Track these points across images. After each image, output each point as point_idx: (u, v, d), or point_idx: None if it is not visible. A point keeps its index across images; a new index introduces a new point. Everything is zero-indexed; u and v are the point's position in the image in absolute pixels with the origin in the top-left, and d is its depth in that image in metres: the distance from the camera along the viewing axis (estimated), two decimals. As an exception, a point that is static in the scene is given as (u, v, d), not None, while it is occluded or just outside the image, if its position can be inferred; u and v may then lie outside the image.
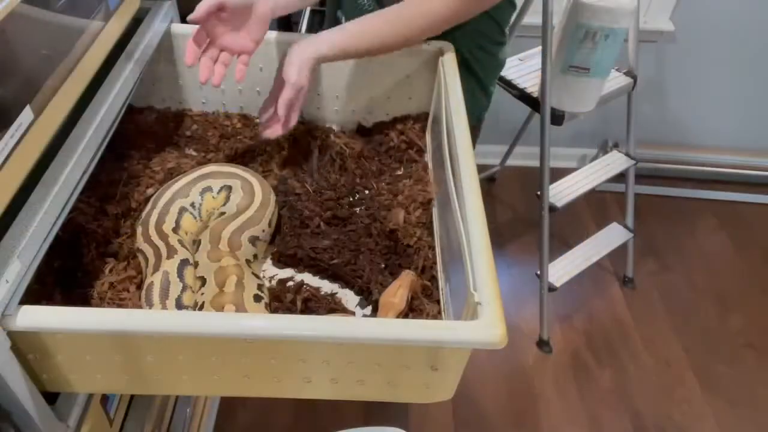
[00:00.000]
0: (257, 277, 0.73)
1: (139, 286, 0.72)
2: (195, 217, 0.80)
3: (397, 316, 0.68)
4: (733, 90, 2.23)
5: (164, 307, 0.67)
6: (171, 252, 0.71)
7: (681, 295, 1.99)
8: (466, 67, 0.99)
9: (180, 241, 0.74)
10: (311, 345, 0.57)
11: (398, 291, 0.69)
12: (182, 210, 0.79)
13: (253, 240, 0.76)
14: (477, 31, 0.97)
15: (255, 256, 0.76)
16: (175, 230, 0.76)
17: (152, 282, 0.68)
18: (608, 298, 1.96)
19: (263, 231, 0.78)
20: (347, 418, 1.54)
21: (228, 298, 0.65)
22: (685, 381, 1.73)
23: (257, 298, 0.68)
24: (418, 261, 0.77)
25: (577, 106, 1.56)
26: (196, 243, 0.76)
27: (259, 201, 0.79)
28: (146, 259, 0.71)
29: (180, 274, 0.69)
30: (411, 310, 0.71)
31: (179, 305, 0.68)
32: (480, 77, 1.04)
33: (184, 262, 0.70)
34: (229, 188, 0.82)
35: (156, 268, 0.69)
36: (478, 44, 0.99)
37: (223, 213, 0.81)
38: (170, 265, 0.69)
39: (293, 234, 0.80)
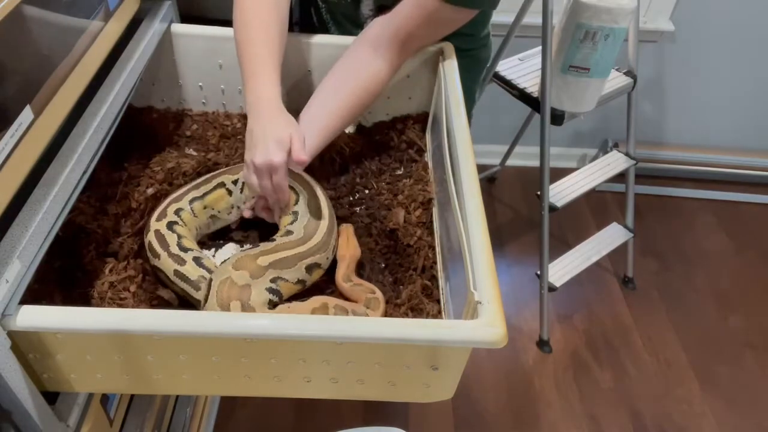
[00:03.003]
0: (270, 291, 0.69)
1: (140, 286, 0.72)
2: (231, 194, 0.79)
3: (357, 263, 0.75)
4: (732, 90, 2.23)
5: (168, 254, 0.70)
6: (161, 216, 0.75)
7: (681, 295, 1.99)
8: None
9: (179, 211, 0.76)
10: (311, 345, 0.57)
11: (348, 242, 0.76)
12: (220, 185, 0.79)
13: (312, 268, 0.72)
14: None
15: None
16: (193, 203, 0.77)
17: (149, 241, 0.72)
18: (608, 298, 1.96)
19: (327, 258, 0.74)
20: (347, 418, 1.54)
21: None
22: (685, 381, 1.73)
23: (270, 306, 0.67)
24: (418, 260, 0.77)
25: (577, 106, 1.56)
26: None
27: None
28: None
29: (170, 228, 0.73)
30: (411, 310, 0.71)
31: (182, 248, 0.71)
32: (461, 78, 1.05)
33: (171, 224, 0.74)
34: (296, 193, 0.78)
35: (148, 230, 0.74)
36: (457, 49, 0.99)
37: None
38: (160, 225, 0.74)
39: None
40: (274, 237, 0.74)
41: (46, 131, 0.61)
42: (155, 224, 0.74)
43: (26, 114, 0.56)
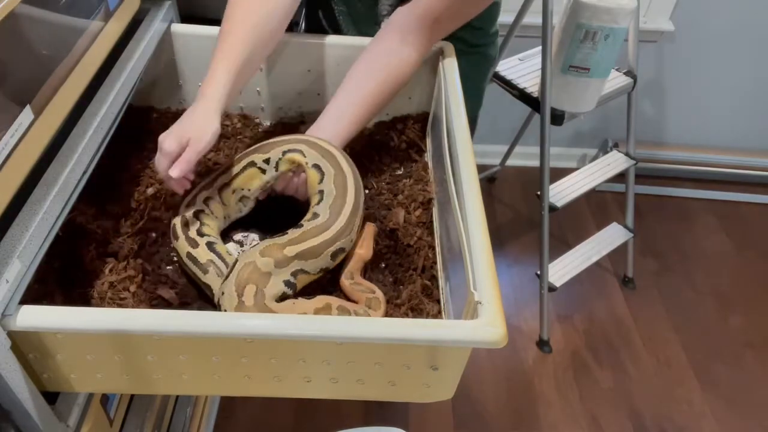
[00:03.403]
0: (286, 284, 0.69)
1: (140, 286, 0.72)
2: (264, 172, 0.78)
3: (365, 264, 0.75)
4: (732, 90, 2.23)
5: (186, 237, 0.72)
6: (190, 204, 0.76)
7: (681, 295, 1.99)
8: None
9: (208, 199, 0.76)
10: (311, 345, 0.57)
11: (364, 242, 0.75)
12: (250, 164, 0.78)
13: (337, 254, 0.71)
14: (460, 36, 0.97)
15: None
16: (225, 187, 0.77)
17: (173, 223, 0.74)
18: (608, 298, 1.96)
19: (351, 241, 0.73)
20: (347, 418, 1.54)
21: (251, 311, 0.64)
22: (685, 381, 1.73)
23: (279, 299, 0.67)
24: (418, 260, 0.77)
25: (577, 106, 1.56)
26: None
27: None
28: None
29: (196, 216, 0.74)
30: (411, 310, 0.71)
31: (200, 233, 0.72)
32: (470, 76, 1.05)
33: (198, 212, 0.75)
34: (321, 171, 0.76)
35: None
36: (466, 44, 0.99)
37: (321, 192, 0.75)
38: (187, 212, 0.75)
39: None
40: (302, 222, 0.73)
41: (46, 131, 0.61)
42: (183, 209, 0.75)
43: (26, 114, 0.56)
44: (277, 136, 0.80)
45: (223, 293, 0.65)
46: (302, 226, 0.71)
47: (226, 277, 0.66)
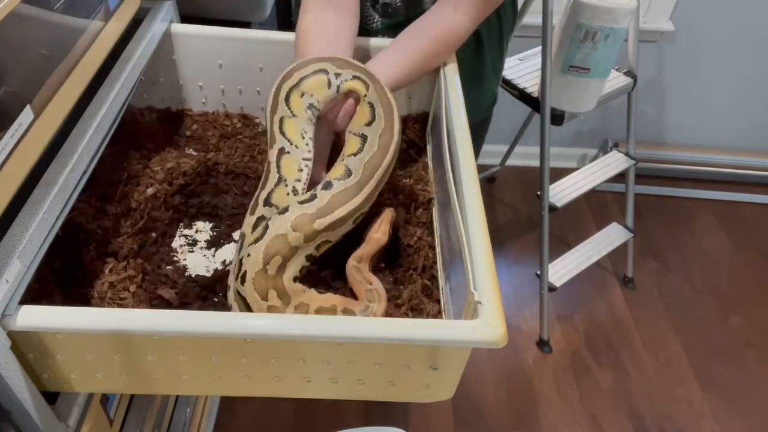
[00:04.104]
0: (308, 259, 0.67)
1: (140, 286, 0.72)
2: (329, 86, 0.74)
3: (380, 249, 0.73)
4: (732, 90, 2.23)
5: (255, 201, 0.70)
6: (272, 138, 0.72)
7: (681, 295, 1.99)
8: (481, 55, 1.02)
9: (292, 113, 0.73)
10: (311, 345, 0.57)
11: (380, 227, 0.74)
12: (321, 71, 0.74)
13: (357, 218, 0.69)
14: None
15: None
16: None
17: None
18: (608, 298, 1.96)
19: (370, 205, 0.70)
20: (347, 418, 1.54)
21: (270, 284, 0.63)
22: (685, 381, 1.73)
23: (296, 280, 0.66)
24: (418, 260, 0.77)
25: (577, 106, 1.56)
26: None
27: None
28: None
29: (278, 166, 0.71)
30: (411, 310, 0.71)
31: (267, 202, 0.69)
32: (498, 67, 1.06)
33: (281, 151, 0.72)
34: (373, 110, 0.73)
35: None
36: (498, 34, 1.01)
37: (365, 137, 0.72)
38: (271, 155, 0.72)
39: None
40: (331, 180, 0.68)
41: (46, 131, 0.61)
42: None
43: (26, 114, 0.56)
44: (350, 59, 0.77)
45: (249, 255, 0.64)
46: (331, 186, 0.68)
47: (256, 240, 0.64)
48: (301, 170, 0.73)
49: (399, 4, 0.94)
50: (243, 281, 0.63)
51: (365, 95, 0.74)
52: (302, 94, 0.74)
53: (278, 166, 0.71)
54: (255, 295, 0.62)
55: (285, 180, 0.71)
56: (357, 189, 0.67)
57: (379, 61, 0.81)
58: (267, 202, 0.70)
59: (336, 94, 0.75)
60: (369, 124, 0.72)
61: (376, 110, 0.72)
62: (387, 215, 0.76)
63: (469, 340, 0.52)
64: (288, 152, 0.72)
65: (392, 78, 0.79)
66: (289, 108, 0.73)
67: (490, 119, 1.19)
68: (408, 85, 0.85)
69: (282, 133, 0.72)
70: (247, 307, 0.63)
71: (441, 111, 0.84)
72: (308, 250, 0.67)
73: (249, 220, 0.69)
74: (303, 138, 0.73)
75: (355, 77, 0.74)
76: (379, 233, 0.73)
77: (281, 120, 0.73)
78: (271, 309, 0.62)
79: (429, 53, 0.83)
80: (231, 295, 0.66)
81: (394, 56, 0.82)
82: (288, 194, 0.72)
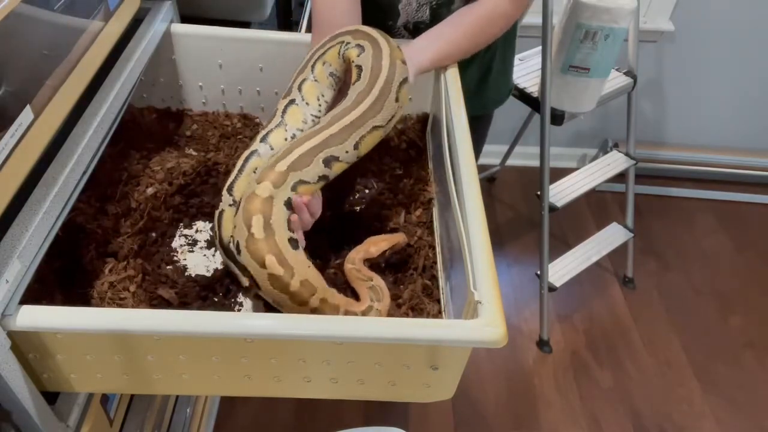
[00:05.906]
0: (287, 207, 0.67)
1: (140, 286, 0.72)
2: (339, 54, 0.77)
3: (364, 261, 0.73)
4: (732, 90, 2.23)
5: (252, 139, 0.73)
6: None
7: (681, 295, 1.99)
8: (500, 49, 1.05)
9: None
10: (311, 345, 0.57)
11: (380, 243, 0.75)
12: (341, 43, 0.76)
13: (329, 161, 0.68)
14: None
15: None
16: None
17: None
18: (608, 298, 1.96)
19: (346, 152, 0.69)
20: (347, 418, 1.54)
21: (264, 248, 0.62)
22: (685, 381, 1.73)
23: (293, 244, 0.64)
24: (419, 260, 0.77)
25: (577, 106, 1.56)
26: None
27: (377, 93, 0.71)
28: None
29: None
30: (411, 310, 0.71)
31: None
32: (509, 59, 1.09)
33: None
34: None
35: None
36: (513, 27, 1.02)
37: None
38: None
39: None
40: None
41: (46, 131, 0.61)
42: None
43: (26, 114, 0.56)
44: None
45: (235, 227, 0.65)
46: (294, 137, 0.73)
47: (235, 213, 0.66)
48: (306, 123, 0.76)
49: (429, 22, 0.95)
50: (239, 252, 0.63)
51: (353, 60, 0.75)
52: (323, 63, 0.78)
53: (283, 112, 0.75)
54: (254, 264, 0.62)
55: (286, 125, 0.74)
56: (317, 131, 0.68)
57: (425, 36, 0.84)
58: (264, 140, 0.74)
59: (344, 63, 0.78)
60: (353, 83, 0.74)
61: (362, 72, 0.73)
62: (394, 237, 0.76)
63: (469, 340, 0.52)
64: (297, 104, 0.76)
65: (439, 51, 0.83)
66: (313, 73, 0.77)
67: (491, 116, 1.19)
68: (457, 60, 0.87)
69: (299, 89, 0.76)
70: (251, 278, 0.63)
71: (441, 111, 0.84)
72: (283, 194, 0.65)
73: (243, 154, 0.73)
74: (318, 99, 0.77)
75: (357, 45, 0.76)
76: (374, 247, 0.74)
77: (303, 81, 0.77)
78: (272, 278, 0.61)
79: (475, 34, 0.86)
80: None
81: (439, 32, 0.85)
82: (286, 139, 0.74)
